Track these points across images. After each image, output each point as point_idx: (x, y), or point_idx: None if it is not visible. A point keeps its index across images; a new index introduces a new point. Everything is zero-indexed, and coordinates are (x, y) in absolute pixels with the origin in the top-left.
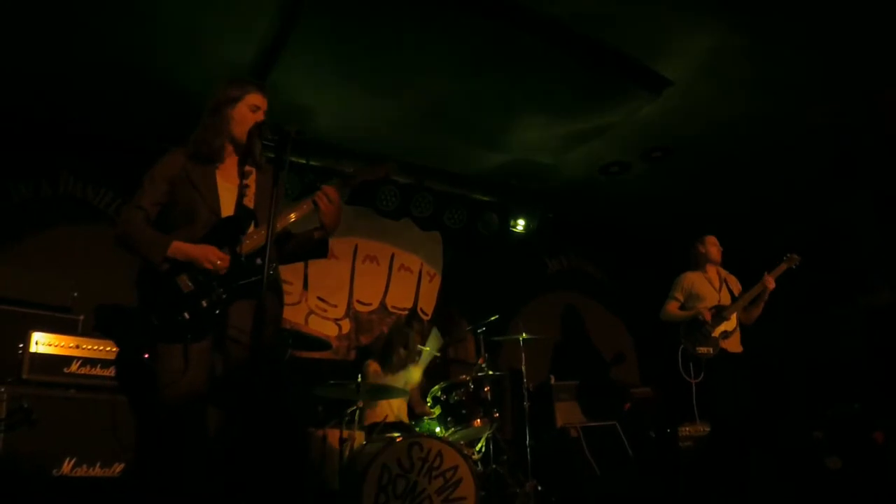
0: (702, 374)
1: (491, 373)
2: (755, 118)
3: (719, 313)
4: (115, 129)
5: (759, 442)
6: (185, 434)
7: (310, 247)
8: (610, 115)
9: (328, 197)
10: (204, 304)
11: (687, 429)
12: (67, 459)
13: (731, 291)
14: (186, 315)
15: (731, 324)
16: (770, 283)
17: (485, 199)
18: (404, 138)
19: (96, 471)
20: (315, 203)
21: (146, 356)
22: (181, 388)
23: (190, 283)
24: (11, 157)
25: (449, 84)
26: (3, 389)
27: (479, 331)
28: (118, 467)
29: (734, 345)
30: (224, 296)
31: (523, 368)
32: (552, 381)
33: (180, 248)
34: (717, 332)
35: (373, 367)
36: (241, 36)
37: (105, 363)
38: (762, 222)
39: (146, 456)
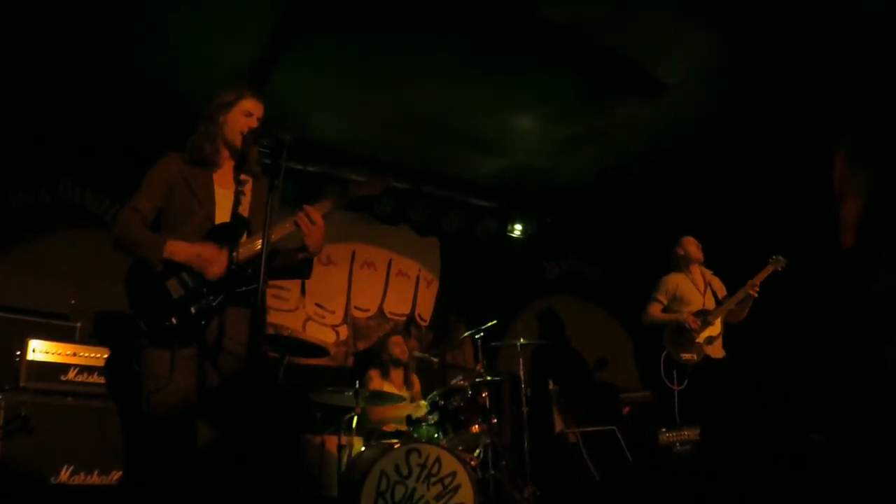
0: (685, 381)
1: (489, 378)
2: (752, 121)
3: (704, 318)
4: (114, 135)
5: (754, 446)
6: (173, 441)
7: (294, 266)
8: (607, 119)
9: (310, 218)
10: (192, 310)
11: (685, 433)
12: (65, 467)
13: (714, 294)
14: (174, 320)
15: (715, 329)
16: (754, 288)
17: (482, 203)
18: (402, 143)
19: (94, 478)
20: (296, 224)
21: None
22: (167, 395)
23: (180, 288)
24: (10, 163)
25: (447, 89)
26: (0, 397)
27: (476, 336)
28: (115, 475)
29: (717, 350)
30: (213, 303)
31: (521, 373)
32: (551, 386)
33: (178, 248)
34: (701, 338)
35: (373, 374)
36: (239, 41)
37: (102, 371)
38: (761, 224)
39: (136, 463)
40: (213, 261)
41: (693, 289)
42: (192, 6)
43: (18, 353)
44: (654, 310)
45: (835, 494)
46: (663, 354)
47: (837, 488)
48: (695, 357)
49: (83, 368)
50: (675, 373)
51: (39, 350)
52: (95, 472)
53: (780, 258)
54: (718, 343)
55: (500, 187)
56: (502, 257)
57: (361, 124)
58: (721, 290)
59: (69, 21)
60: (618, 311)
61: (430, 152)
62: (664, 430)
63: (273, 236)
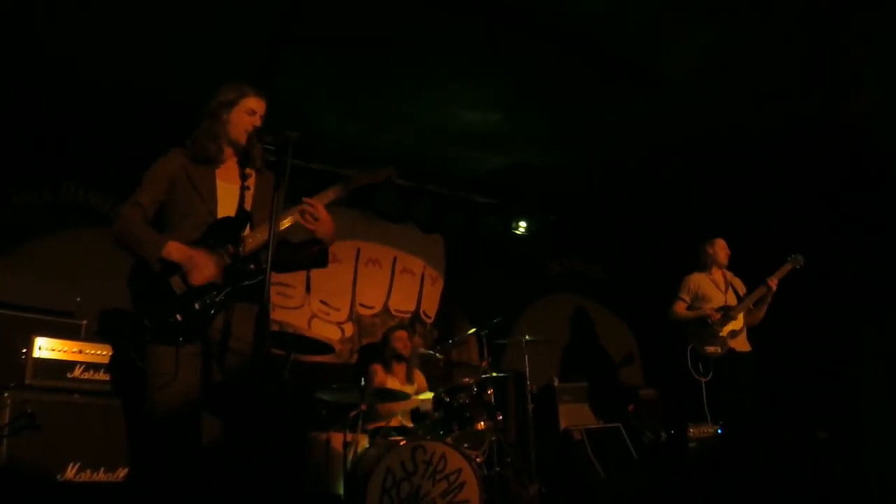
0: (710, 374)
1: (494, 375)
2: (756, 117)
3: (726, 313)
4: (117, 134)
5: (766, 441)
6: (177, 438)
7: (309, 258)
8: (610, 117)
9: (311, 213)
10: (196, 306)
11: (692, 430)
12: (71, 464)
13: (736, 293)
14: (178, 317)
15: (738, 323)
16: (773, 285)
17: (486, 201)
18: (405, 141)
19: (100, 475)
20: (299, 217)
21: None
22: (172, 392)
23: (183, 284)
24: (13, 162)
25: (449, 87)
26: (6, 395)
27: (481, 333)
28: (122, 472)
29: (742, 344)
30: (217, 298)
31: (526, 371)
32: (555, 384)
33: (175, 249)
34: (725, 332)
35: (376, 368)
36: (243, 40)
37: (108, 368)
38: (766, 223)
39: (141, 460)
40: (202, 268)
41: (714, 288)
42: (193, 7)
43: (24, 350)
44: (679, 308)
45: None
46: (689, 348)
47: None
48: (719, 350)
49: (89, 366)
50: (700, 365)
51: (45, 347)
52: (102, 470)
53: (799, 256)
54: (743, 336)
55: (503, 185)
56: (506, 255)
57: (365, 122)
58: (742, 289)
59: (72, 22)
60: (621, 310)
61: (434, 150)
62: (672, 428)
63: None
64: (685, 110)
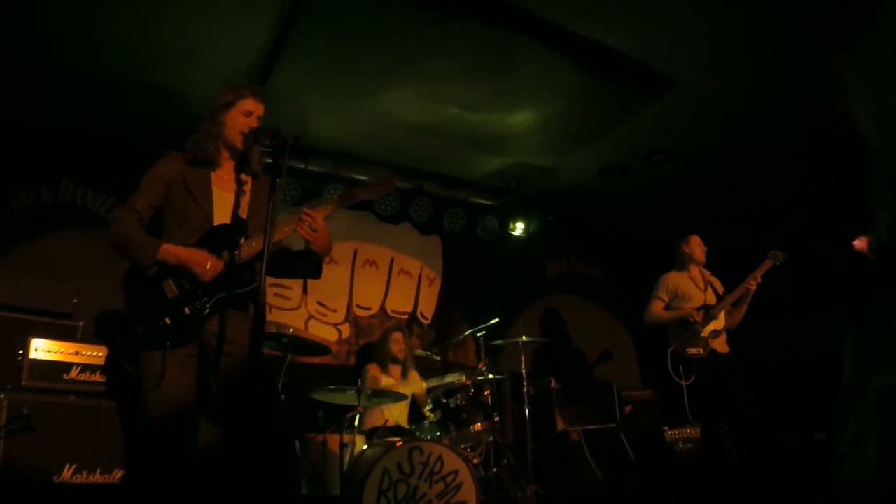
0: (693, 376)
1: (491, 376)
2: (756, 119)
3: (707, 312)
4: (117, 136)
5: (758, 443)
6: (170, 440)
7: (303, 268)
8: (609, 118)
9: (310, 225)
10: (186, 310)
11: (688, 430)
12: (68, 466)
13: (715, 291)
14: (168, 320)
15: (719, 323)
16: (752, 284)
17: (484, 202)
18: (403, 142)
19: (96, 477)
20: (295, 231)
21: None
22: (161, 394)
23: (175, 289)
24: (12, 164)
25: (448, 88)
26: (3, 396)
27: (479, 334)
28: (118, 473)
29: (722, 345)
30: (208, 304)
31: (523, 372)
32: (552, 385)
33: (171, 251)
34: (706, 332)
35: (372, 370)
36: (240, 41)
37: (104, 369)
38: (764, 223)
39: (136, 462)
40: (204, 266)
41: (693, 286)
42: (191, 8)
43: (21, 352)
44: (657, 308)
45: (850, 484)
46: (670, 350)
47: (853, 477)
48: (701, 351)
49: (85, 367)
50: (681, 368)
51: (42, 349)
52: (98, 471)
53: (779, 252)
54: (723, 338)
55: (501, 186)
56: (504, 256)
57: (362, 124)
58: (721, 288)
59: (72, 23)
60: (618, 311)
61: (432, 151)
62: (667, 427)
63: (273, 238)
64: (685, 111)
